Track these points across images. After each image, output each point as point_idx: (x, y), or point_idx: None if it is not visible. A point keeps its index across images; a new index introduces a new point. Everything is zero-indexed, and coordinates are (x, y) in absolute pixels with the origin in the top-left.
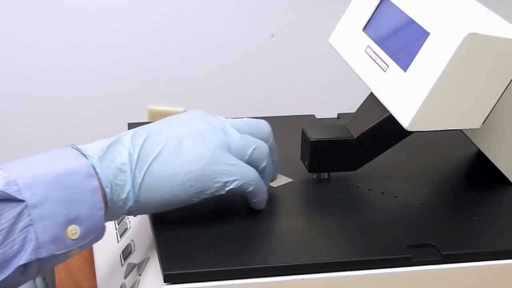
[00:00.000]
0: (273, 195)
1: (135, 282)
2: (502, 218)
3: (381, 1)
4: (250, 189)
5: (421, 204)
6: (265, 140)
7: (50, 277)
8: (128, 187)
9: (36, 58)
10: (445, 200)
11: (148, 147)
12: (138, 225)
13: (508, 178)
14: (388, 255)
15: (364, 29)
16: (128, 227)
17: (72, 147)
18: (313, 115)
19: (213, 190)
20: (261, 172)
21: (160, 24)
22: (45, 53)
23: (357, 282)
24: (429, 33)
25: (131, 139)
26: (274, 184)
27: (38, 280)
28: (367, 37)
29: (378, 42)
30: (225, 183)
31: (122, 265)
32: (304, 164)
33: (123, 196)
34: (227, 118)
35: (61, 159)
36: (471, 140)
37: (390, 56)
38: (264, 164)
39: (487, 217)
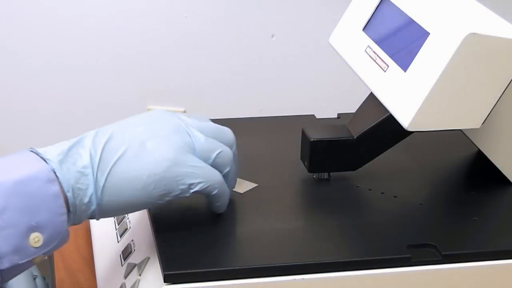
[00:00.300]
0: (273, 195)
1: (135, 282)
2: (502, 218)
3: (381, 1)
4: (215, 192)
5: (421, 204)
6: (229, 147)
7: (50, 277)
8: (90, 190)
9: (35, 58)
10: (445, 200)
11: (110, 148)
12: (138, 225)
13: (508, 178)
14: (388, 255)
15: (364, 29)
16: (128, 227)
17: (31, 151)
18: (313, 115)
19: (177, 192)
20: (224, 177)
21: (160, 24)
22: (45, 53)
23: (357, 282)
24: (429, 33)
25: (92, 141)
26: (241, 190)
27: (38, 280)
28: (367, 37)
29: (378, 42)
30: (190, 185)
31: (122, 265)
32: (304, 164)
33: (86, 200)
34: (190, 117)
35: (19, 164)
36: (471, 140)
37: (390, 56)
38: (227, 169)
39: (487, 217)
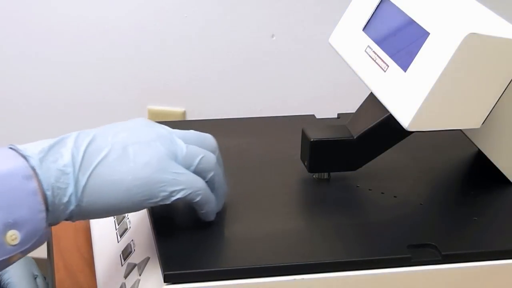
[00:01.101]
0: (273, 195)
1: (135, 282)
2: (502, 218)
3: (381, 1)
4: (197, 199)
5: (421, 204)
6: (211, 152)
7: (50, 277)
8: (70, 190)
9: (35, 58)
10: (445, 200)
11: (93, 150)
12: (138, 225)
13: (508, 178)
14: (388, 255)
15: (364, 29)
16: (128, 227)
17: (10, 148)
18: (313, 115)
19: (158, 199)
20: (209, 182)
21: (160, 24)
22: (44, 53)
23: (357, 282)
24: (429, 33)
25: (74, 141)
26: None
27: (39, 280)
28: (367, 37)
29: (378, 42)
30: (172, 193)
31: (122, 265)
32: (304, 164)
33: (65, 199)
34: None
35: None
36: (471, 140)
37: (390, 56)
38: (211, 174)
39: (487, 217)
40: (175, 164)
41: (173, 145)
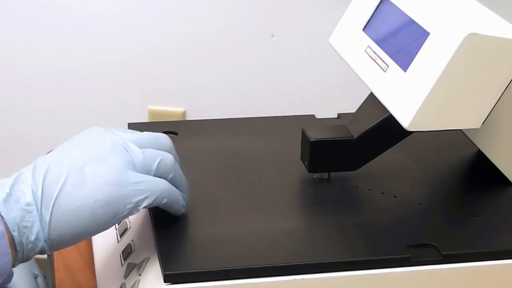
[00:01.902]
0: (273, 195)
1: (135, 282)
2: (502, 218)
3: (381, 1)
4: (164, 201)
5: (421, 204)
6: (168, 152)
7: (50, 277)
8: (36, 227)
9: (35, 58)
10: (445, 200)
11: (51, 181)
12: (138, 225)
13: (508, 178)
14: (388, 255)
15: (364, 29)
16: (128, 227)
17: None
18: (313, 115)
19: (125, 212)
20: (171, 182)
21: (160, 24)
22: (44, 53)
23: (357, 282)
24: (429, 33)
25: (32, 175)
26: None
27: (40, 279)
28: (367, 37)
29: (378, 42)
30: (137, 203)
31: (122, 265)
32: (304, 164)
33: (32, 237)
34: (125, 132)
35: None
36: (471, 140)
37: (390, 56)
38: (171, 175)
39: (487, 217)
40: (134, 173)
41: (129, 153)
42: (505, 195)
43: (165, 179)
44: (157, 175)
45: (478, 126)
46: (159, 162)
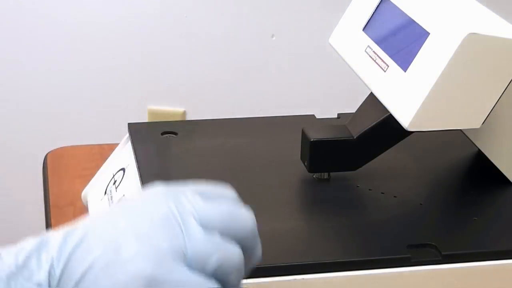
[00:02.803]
0: (273, 195)
1: None
2: (502, 218)
3: (381, 1)
4: None
5: (421, 204)
6: (244, 239)
7: None
8: None
9: (35, 58)
10: (445, 200)
11: (78, 258)
12: None
13: (508, 178)
14: (388, 255)
15: (364, 29)
16: None
17: None
18: (313, 115)
19: None
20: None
21: (160, 24)
22: (44, 53)
23: (357, 282)
24: (429, 33)
25: (58, 246)
26: None
27: None
28: (367, 37)
29: (378, 42)
30: None
31: None
32: (304, 164)
33: None
34: (194, 197)
35: None
36: (471, 140)
37: (390, 56)
38: (232, 279)
39: (487, 217)
40: (179, 268)
41: (184, 234)
42: (505, 195)
43: (224, 282)
44: (213, 274)
45: (478, 126)
46: (220, 259)
